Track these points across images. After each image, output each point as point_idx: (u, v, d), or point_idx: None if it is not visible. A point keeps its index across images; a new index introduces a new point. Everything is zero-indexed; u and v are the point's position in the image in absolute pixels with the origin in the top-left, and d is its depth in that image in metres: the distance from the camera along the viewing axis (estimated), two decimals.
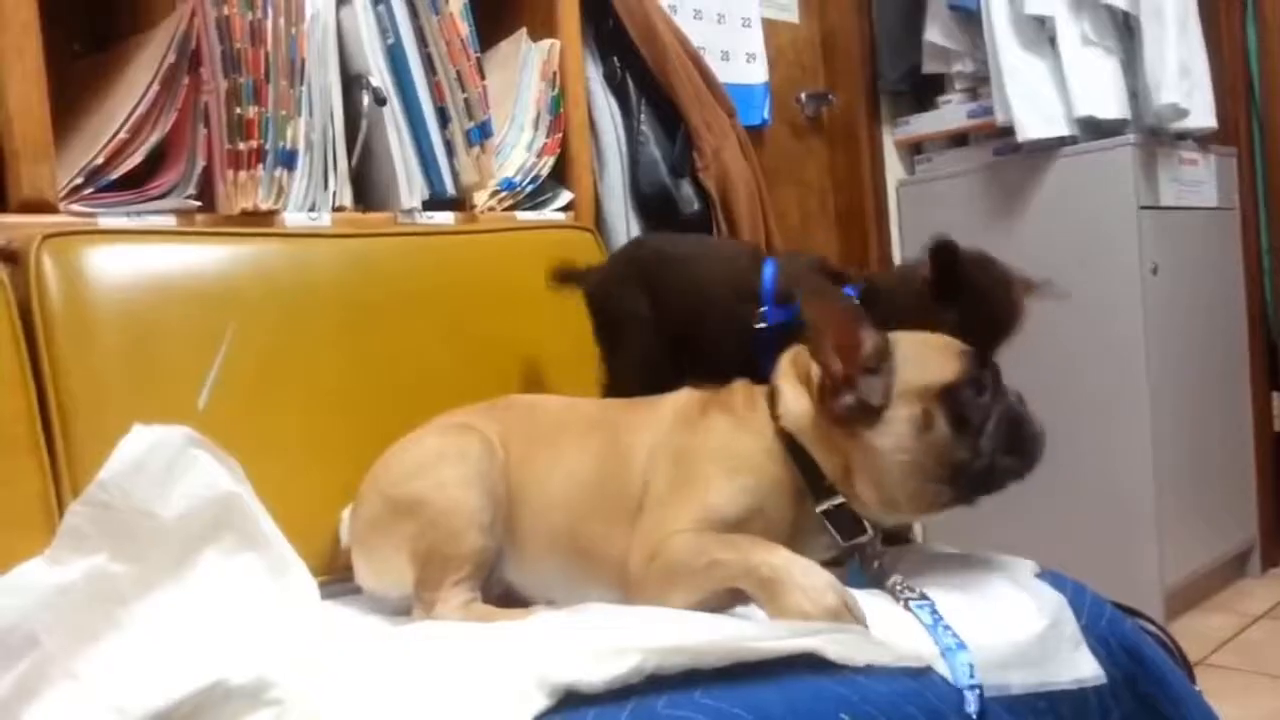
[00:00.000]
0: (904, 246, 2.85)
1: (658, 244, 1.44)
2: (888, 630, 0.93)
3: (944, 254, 1.14)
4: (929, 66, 2.76)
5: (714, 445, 1.09)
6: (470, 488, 1.14)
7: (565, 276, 1.42)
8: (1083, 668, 0.98)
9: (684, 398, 1.18)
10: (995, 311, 1.15)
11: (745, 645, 0.83)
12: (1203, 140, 2.66)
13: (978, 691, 0.91)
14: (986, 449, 1.03)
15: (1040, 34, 2.47)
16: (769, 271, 1.28)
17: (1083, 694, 0.99)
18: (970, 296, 1.14)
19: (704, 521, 1.03)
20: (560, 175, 1.85)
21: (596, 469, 1.15)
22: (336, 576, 1.22)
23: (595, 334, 1.40)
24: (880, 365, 1.03)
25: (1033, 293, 1.19)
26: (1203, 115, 2.53)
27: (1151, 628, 1.15)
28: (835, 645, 0.85)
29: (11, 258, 1.22)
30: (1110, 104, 2.43)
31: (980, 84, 2.64)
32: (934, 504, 1.05)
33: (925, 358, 1.06)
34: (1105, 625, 1.06)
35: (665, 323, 1.34)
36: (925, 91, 2.83)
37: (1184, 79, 2.43)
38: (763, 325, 1.23)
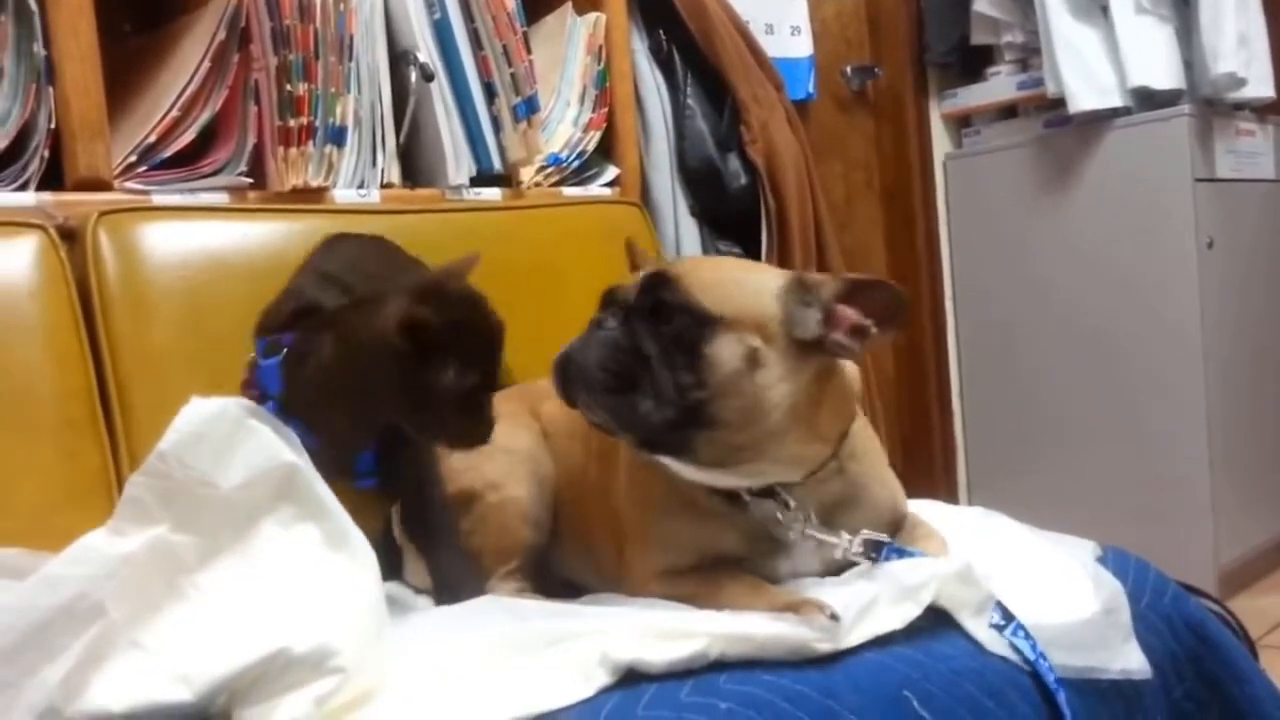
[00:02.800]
0: (950, 222, 2.80)
1: None
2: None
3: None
4: (977, 37, 2.71)
5: (637, 496, 1.05)
6: (520, 481, 1.12)
7: None
8: (1131, 660, 0.96)
9: None
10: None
11: (810, 642, 0.82)
12: (1260, 111, 2.59)
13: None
14: None
15: (1092, 3, 2.41)
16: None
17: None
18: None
19: (665, 579, 0.99)
20: (606, 150, 1.85)
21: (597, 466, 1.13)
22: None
23: None
24: None
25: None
26: (1261, 85, 2.46)
27: (1214, 606, 1.13)
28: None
29: (69, 235, 1.24)
30: (1165, 74, 2.37)
31: (1030, 55, 2.59)
32: None
33: None
34: (1169, 603, 1.04)
35: None
36: (973, 63, 2.77)
37: (1242, 48, 2.36)
38: None
